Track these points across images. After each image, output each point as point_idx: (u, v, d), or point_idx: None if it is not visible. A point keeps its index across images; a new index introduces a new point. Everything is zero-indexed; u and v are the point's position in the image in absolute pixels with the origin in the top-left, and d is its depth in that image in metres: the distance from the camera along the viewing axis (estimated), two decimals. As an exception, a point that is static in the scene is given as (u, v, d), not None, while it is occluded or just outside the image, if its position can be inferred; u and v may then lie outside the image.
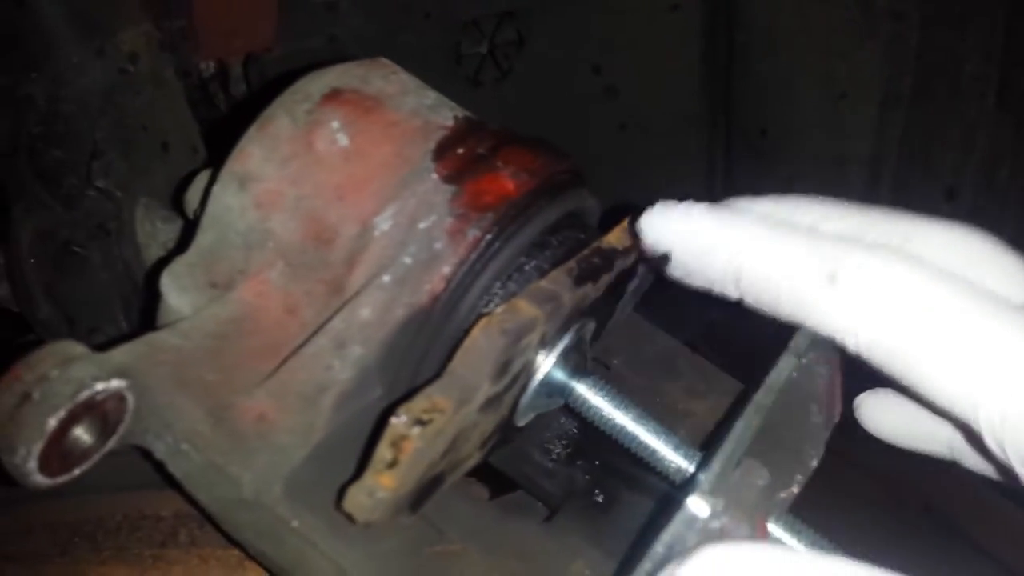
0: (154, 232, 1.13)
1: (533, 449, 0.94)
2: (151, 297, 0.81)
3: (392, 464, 0.62)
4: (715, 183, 2.12)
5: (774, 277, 0.62)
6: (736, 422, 0.70)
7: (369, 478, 0.63)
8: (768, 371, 0.83)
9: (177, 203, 0.93)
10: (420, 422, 0.62)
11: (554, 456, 0.94)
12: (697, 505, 0.59)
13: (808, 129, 1.91)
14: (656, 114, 2.04)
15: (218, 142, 0.80)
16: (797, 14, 1.85)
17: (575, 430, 0.94)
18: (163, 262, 0.79)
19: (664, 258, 0.67)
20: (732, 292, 0.65)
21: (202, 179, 0.88)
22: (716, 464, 0.63)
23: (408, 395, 0.63)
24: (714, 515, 0.60)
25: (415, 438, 0.61)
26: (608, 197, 0.92)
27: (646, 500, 0.89)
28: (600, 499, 0.91)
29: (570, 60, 1.94)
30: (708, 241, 0.64)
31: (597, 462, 0.93)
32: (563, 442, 0.94)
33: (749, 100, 2.00)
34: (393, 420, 0.62)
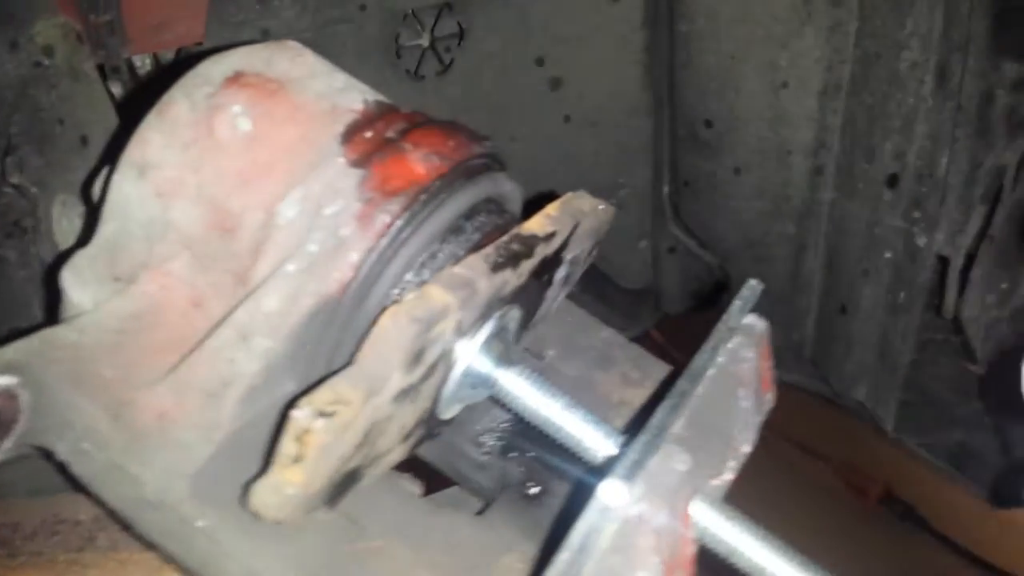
0: (72, 229, 1.09)
1: (465, 442, 0.92)
2: (53, 293, 0.78)
3: (298, 459, 0.59)
4: (661, 174, 2.11)
5: None
6: (656, 409, 0.68)
7: (275, 474, 0.60)
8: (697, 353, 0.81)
9: (86, 195, 0.89)
10: (324, 414, 0.59)
11: (486, 449, 0.91)
12: (612, 492, 0.57)
13: (752, 119, 1.91)
14: (601, 106, 2.03)
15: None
16: (738, 3, 1.85)
17: (507, 423, 0.92)
18: (64, 256, 0.76)
19: None
20: None
21: (108, 170, 0.85)
22: (632, 451, 0.61)
23: (313, 387, 0.61)
24: (632, 501, 0.58)
25: (320, 431, 0.59)
26: (554, 189, 0.89)
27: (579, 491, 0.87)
28: (534, 492, 0.88)
29: (513, 52, 1.92)
30: None
31: (530, 454, 0.90)
32: (495, 435, 0.92)
33: (693, 91, 1.99)
34: (294, 413, 0.59)
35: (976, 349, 1.75)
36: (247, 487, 0.61)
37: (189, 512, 0.65)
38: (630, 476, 0.59)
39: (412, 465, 0.86)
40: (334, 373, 0.62)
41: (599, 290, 2.16)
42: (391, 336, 0.63)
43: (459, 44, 1.86)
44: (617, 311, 2.24)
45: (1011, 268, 1.72)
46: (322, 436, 0.59)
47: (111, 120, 1.24)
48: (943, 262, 1.72)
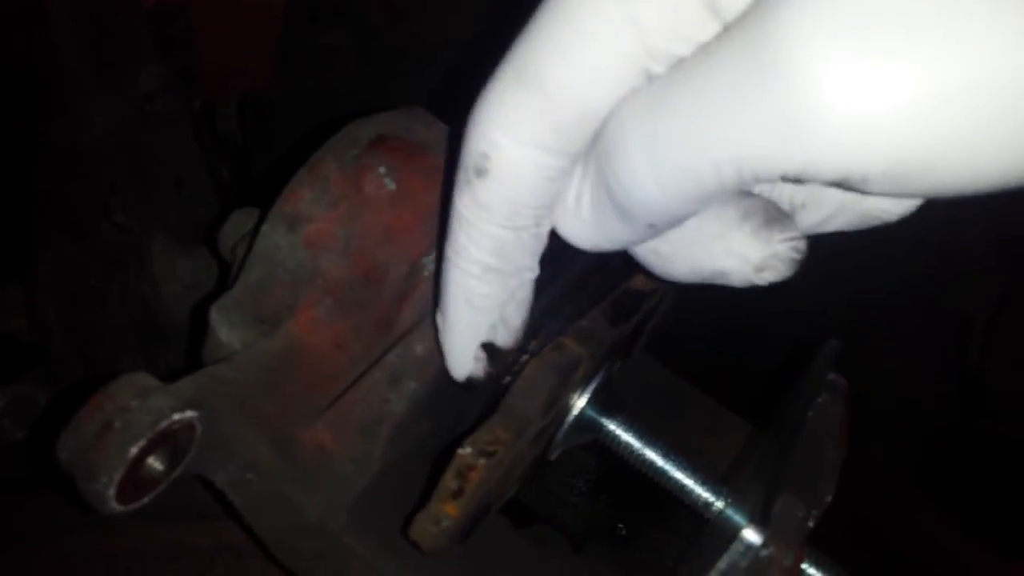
0: (171, 267, 1.14)
1: (555, 483, 0.97)
2: (196, 332, 0.83)
3: (458, 493, 0.65)
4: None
5: None
6: (774, 457, 0.74)
7: (435, 506, 0.66)
8: (785, 406, 0.87)
9: (210, 240, 0.95)
10: (485, 453, 0.65)
11: (576, 490, 0.97)
12: (752, 535, 0.63)
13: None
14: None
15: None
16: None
17: (595, 464, 0.97)
18: (210, 298, 0.82)
19: None
20: None
21: (238, 216, 0.91)
22: (759, 497, 0.68)
23: (470, 429, 0.67)
24: (764, 544, 0.64)
25: (481, 468, 0.65)
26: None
27: (667, 534, 0.92)
28: (623, 532, 0.94)
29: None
30: None
31: (618, 496, 0.96)
32: (584, 477, 0.97)
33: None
34: (460, 451, 0.65)
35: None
36: (407, 518, 0.66)
37: (350, 539, 0.70)
38: (763, 521, 0.65)
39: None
40: (483, 416, 0.68)
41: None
42: (536, 383, 0.70)
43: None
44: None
45: None
46: (482, 472, 0.65)
47: (200, 163, 1.30)
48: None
